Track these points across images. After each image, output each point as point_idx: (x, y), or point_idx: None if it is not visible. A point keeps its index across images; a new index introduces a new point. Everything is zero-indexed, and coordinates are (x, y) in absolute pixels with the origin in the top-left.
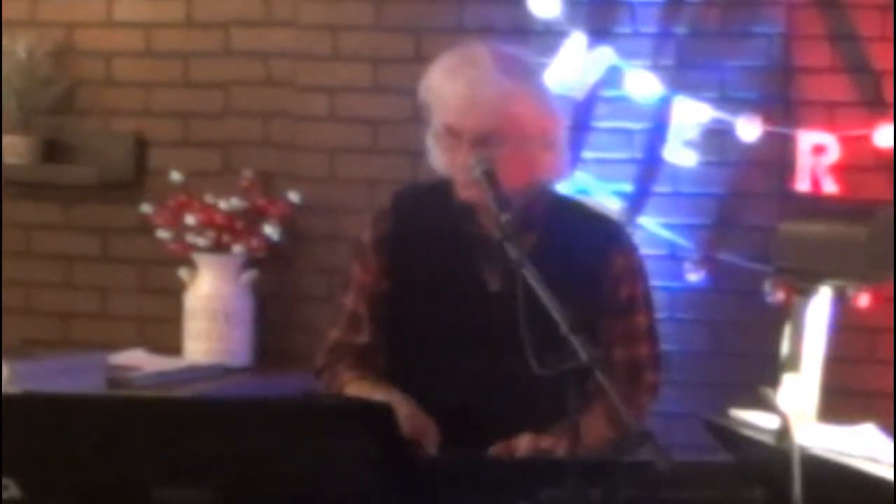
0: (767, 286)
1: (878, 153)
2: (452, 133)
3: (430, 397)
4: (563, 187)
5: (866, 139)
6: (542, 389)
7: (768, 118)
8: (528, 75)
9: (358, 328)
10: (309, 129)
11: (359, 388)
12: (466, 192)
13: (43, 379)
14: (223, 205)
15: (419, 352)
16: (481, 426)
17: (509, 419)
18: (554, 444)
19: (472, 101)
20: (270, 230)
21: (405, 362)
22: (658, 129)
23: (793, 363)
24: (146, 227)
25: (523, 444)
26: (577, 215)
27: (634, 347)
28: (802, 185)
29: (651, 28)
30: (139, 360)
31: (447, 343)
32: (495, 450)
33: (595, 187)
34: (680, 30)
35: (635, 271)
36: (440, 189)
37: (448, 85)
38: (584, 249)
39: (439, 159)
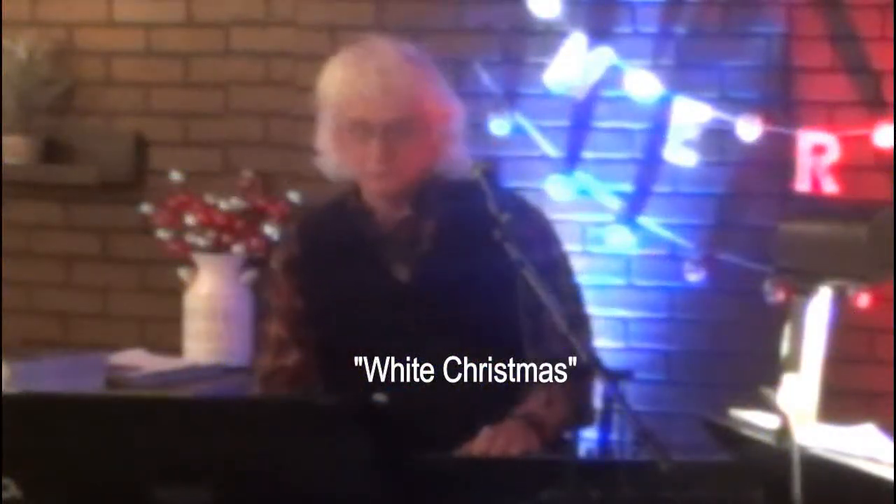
0: (767, 286)
1: (878, 153)
2: (362, 125)
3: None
4: (563, 187)
5: (866, 139)
6: (471, 379)
7: (768, 118)
8: (429, 65)
9: (285, 352)
10: (309, 129)
11: None
12: (376, 183)
13: (43, 379)
14: (223, 205)
15: (348, 361)
16: (423, 424)
17: (447, 412)
18: (512, 437)
19: (385, 90)
20: (270, 230)
21: (338, 374)
22: (658, 129)
23: (793, 363)
24: (146, 227)
25: (482, 442)
26: (473, 196)
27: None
28: (802, 185)
29: (651, 28)
30: (139, 360)
31: (372, 345)
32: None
33: (595, 187)
34: (680, 30)
35: (544, 235)
36: (339, 202)
37: (357, 77)
38: (486, 226)
39: (343, 156)
